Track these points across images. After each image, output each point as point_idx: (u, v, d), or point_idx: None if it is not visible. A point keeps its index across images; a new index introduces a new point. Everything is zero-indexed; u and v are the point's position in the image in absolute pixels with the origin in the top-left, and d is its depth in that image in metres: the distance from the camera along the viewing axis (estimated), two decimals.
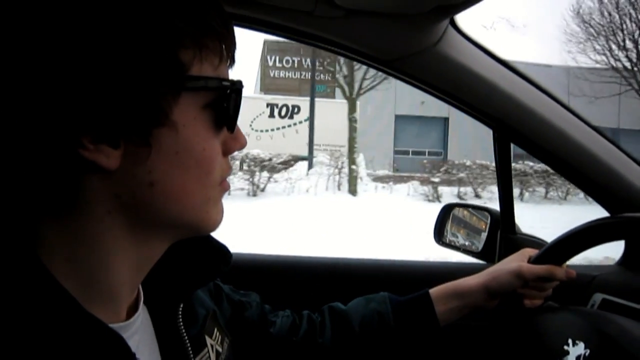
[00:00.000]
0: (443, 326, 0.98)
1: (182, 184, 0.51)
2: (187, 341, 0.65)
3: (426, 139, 27.01)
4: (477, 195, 14.71)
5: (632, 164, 1.20)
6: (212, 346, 0.70)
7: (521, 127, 1.19)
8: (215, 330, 0.73)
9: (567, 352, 0.80)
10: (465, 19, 1.04)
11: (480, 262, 1.44)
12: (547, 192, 15.20)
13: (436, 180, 14.38)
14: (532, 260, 0.98)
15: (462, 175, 15.06)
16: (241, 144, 0.59)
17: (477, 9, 0.97)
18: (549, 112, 1.17)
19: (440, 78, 1.12)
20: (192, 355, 0.65)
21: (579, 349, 0.79)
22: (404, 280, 1.36)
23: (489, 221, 1.44)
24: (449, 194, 14.35)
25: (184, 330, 0.66)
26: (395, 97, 25.73)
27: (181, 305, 0.66)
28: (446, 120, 26.81)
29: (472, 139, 24.86)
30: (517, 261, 1.00)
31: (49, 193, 0.47)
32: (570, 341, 0.80)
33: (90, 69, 0.43)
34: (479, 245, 1.45)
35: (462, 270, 1.38)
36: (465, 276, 1.03)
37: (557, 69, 23.90)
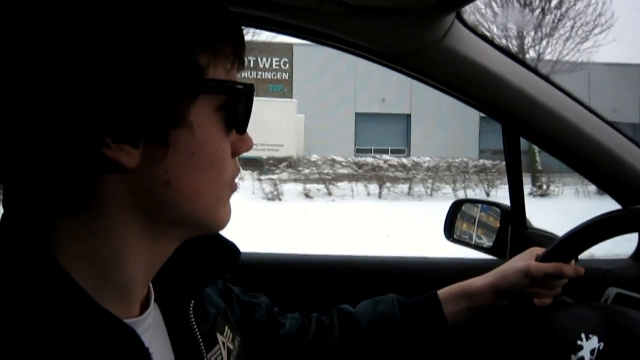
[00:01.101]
0: (452, 327, 0.98)
1: (196, 184, 0.53)
2: (200, 338, 0.66)
3: (389, 136, 26.88)
4: (329, 193, 14.42)
5: None
6: (223, 344, 0.71)
7: (531, 121, 1.18)
8: (227, 328, 0.74)
9: (581, 347, 0.79)
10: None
11: (492, 258, 1.43)
12: (410, 189, 15.04)
13: (274, 177, 14.08)
14: (541, 258, 0.97)
15: (307, 171, 14.80)
16: (248, 145, 0.60)
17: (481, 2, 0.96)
18: (559, 105, 1.16)
19: (448, 73, 1.11)
20: (204, 352, 0.66)
21: (593, 342, 0.78)
22: (414, 277, 1.35)
23: (499, 217, 1.43)
24: (294, 192, 14.09)
25: (196, 327, 0.66)
26: (355, 95, 25.78)
27: (192, 302, 0.67)
28: (409, 117, 26.74)
29: (434, 135, 24.79)
30: (525, 260, 0.99)
31: (67, 190, 0.48)
32: (583, 336, 0.79)
33: (115, 72, 0.45)
34: (490, 241, 1.44)
35: (473, 266, 1.37)
36: (476, 273, 1.02)
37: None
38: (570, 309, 0.91)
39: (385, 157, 15.92)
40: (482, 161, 15.50)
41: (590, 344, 0.78)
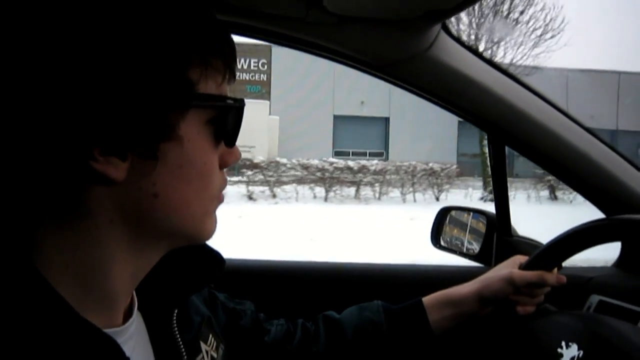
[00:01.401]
0: (437, 334, 0.99)
1: (183, 196, 0.53)
2: (182, 346, 0.66)
3: (367, 139, 26.87)
4: (273, 195, 14.37)
5: (627, 165, 1.20)
6: (207, 352, 0.71)
7: (515, 130, 1.19)
8: (210, 336, 0.74)
9: (561, 355, 0.80)
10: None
11: (477, 265, 1.44)
12: (357, 192, 14.93)
13: None
14: (524, 266, 0.98)
15: (249, 173, 14.52)
16: (236, 157, 0.61)
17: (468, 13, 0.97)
18: (543, 114, 1.17)
19: (433, 82, 1.13)
20: None
21: (573, 350, 0.79)
22: (401, 284, 1.36)
23: (485, 224, 1.44)
24: (236, 195, 13.93)
25: (178, 336, 0.66)
26: (333, 97, 25.78)
27: (176, 311, 0.67)
28: (387, 120, 26.78)
29: (413, 139, 24.90)
30: (508, 268, 1.00)
31: (54, 200, 0.48)
32: (563, 343, 0.81)
33: (106, 85, 0.45)
34: (476, 248, 1.46)
35: (459, 273, 1.38)
36: (462, 279, 1.03)
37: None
38: (552, 317, 0.93)
39: (332, 159, 15.66)
40: (430, 164, 15.31)
41: (570, 352, 0.79)
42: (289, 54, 23.42)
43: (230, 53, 0.56)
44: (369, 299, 1.24)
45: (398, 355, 0.98)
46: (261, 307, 0.98)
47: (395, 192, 14.88)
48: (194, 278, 0.68)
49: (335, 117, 26.32)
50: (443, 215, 1.58)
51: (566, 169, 1.21)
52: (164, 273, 0.63)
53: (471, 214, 1.53)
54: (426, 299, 1.02)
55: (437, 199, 14.91)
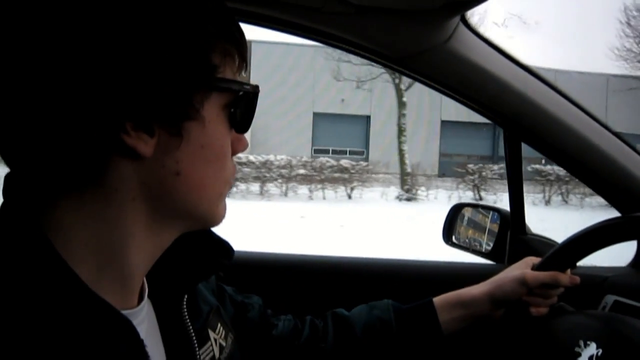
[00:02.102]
0: (447, 335, 0.98)
1: (203, 176, 0.56)
2: (193, 333, 0.67)
3: (347, 137, 26.54)
4: None
5: None
6: (215, 340, 0.72)
7: (533, 127, 1.18)
8: (219, 325, 0.75)
9: (579, 354, 0.78)
10: (476, 16, 1.03)
11: (490, 262, 1.42)
12: (261, 189, 14.42)
13: None
14: (539, 265, 0.97)
15: None
16: (244, 145, 0.63)
17: (488, 5, 0.96)
18: (561, 111, 1.16)
19: (451, 76, 1.11)
20: (197, 347, 0.67)
21: (591, 349, 0.78)
22: (412, 280, 1.35)
23: (498, 221, 1.43)
24: None
25: (189, 322, 0.67)
26: (313, 94, 25.60)
27: (185, 297, 0.68)
28: (368, 118, 26.56)
29: (394, 138, 24.96)
30: (521, 269, 0.99)
31: (80, 172, 0.50)
32: (581, 342, 0.79)
33: (141, 64, 0.48)
34: (489, 245, 1.44)
35: (471, 271, 1.37)
36: (474, 277, 1.02)
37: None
38: (568, 316, 0.91)
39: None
40: (342, 161, 14.92)
41: (589, 351, 0.78)
42: (269, 50, 23.47)
43: (244, 44, 0.59)
44: (380, 294, 1.23)
45: (407, 355, 0.97)
46: (271, 301, 0.98)
47: (304, 189, 14.59)
48: (203, 265, 0.69)
49: (315, 115, 26.14)
50: (455, 212, 1.56)
51: (583, 166, 1.20)
52: (173, 260, 0.63)
53: (484, 211, 1.52)
54: (437, 299, 1.01)
55: (350, 196, 14.48)
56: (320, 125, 26.17)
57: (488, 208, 1.53)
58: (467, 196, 14.59)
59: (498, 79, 1.10)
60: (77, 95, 0.46)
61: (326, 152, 24.62)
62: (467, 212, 1.55)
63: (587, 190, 14.28)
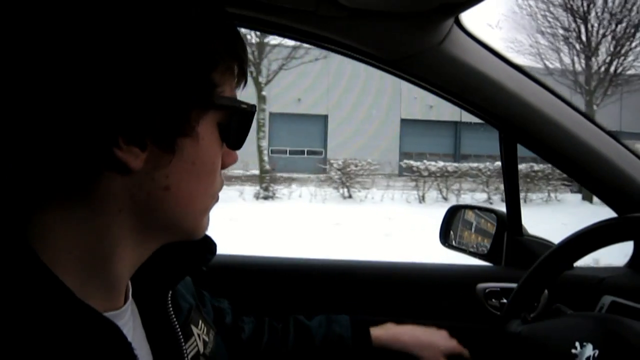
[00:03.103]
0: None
1: (191, 191, 0.55)
2: (178, 328, 0.68)
3: (305, 137, 26.33)
4: None
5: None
6: (199, 335, 0.73)
7: (528, 128, 1.18)
8: (200, 321, 0.76)
9: (576, 355, 0.78)
10: (470, 18, 1.03)
11: (487, 264, 1.42)
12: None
13: None
14: (537, 265, 0.96)
15: None
16: (234, 159, 0.63)
17: (481, 7, 0.96)
18: (556, 112, 1.16)
19: (445, 78, 1.11)
20: (182, 341, 0.67)
21: (588, 350, 0.77)
22: (408, 283, 1.35)
23: (495, 223, 1.43)
24: None
25: (174, 318, 0.68)
26: (269, 94, 25.66)
27: (170, 293, 0.68)
28: (325, 118, 26.46)
29: (353, 137, 24.69)
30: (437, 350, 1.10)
31: (66, 185, 0.49)
32: (577, 344, 0.79)
33: (140, 80, 0.47)
34: (485, 247, 1.44)
35: (468, 272, 1.37)
36: (471, 278, 1.02)
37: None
38: (565, 318, 0.91)
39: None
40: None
41: (585, 352, 0.78)
42: None
43: (245, 59, 0.59)
44: (374, 296, 1.24)
45: None
46: (255, 306, 1.01)
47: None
48: (187, 261, 0.69)
49: (272, 115, 25.72)
50: (452, 214, 1.56)
51: (579, 167, 1.20)
52: (157, 257, 0.63)
53: (481, 212, 1.52)
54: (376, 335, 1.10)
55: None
56: (277, 125, 25.92)
57: (484, 209, 1.53)
58: (334, 197, 14.27)
59: (493, 80, 1.10)
60: (71, 108, 0.46)
61: (283, 152, 24.79)
62: (464, 214, 1.55)
63: (466, 185, 14.40)
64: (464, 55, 1.06)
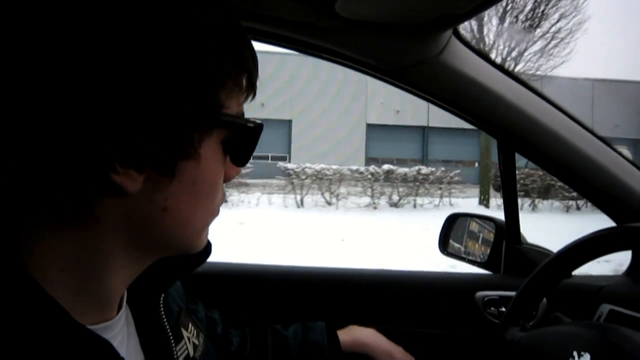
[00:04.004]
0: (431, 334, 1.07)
1: (191, 211, 0.53)
2: (169, 330, 0.67)
3: (269, 142, 26.26)
4: None
5: (638, 173, 1.19)
6: (188, 339, 0.73)
7: (526, 137, 1.19)
8: (190, 324, 0.76)
9: None
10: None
11: (485, 272, 1.43)
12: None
13: None
14: (535, 274, 0.97)
15: None
16: (237, 172, 0.61)
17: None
18: (554, 121, 1.17)
19: (444, 88, 1.12)
20: (173, 345, 0.67)
21: (585, 359, 0.78)
22: (407, 291, 1.35)
23: (494, 231, 1.43)
24: None
25: (166, 321, 0.67)
26: None
27: (162, 296, 0.68)
28: (289, 122, 26.54)
29: (317, 142, 24.81)
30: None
31: (60, 205, 0.47)
32: (575, 353, 0.79)
33: (140, 103, 0.45)
34: (484, 255, 1.44)
35: (466, 280, 1.37)
36: (469, 287, 1.02)
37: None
38: (562, 326, 0.91)
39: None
40: None
41: None
42: None
43: (255, 71, 0.56)
44: (370, 305, 1.24)
45: None
46: (237, 312, 1.04)
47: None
48: (181, 263, 0.66)
49: None
50: (451, 222, 1.57)
51: (577, 176, 1.20)
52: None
53: (480, 220, 1.52)
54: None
55: None
56: None
57: (483, 218, 1.53)
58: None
59: (491, 90, 1.11)
60: (64, 130, 0.43)
61: None
62: (463, 222, 1.56)
63: (356, 189, 13.92)
64: (462, 65, 1.07)
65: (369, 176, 13.96)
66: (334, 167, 14.12)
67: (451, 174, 14.69)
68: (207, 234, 0.60)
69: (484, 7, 0.89)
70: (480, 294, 1.27)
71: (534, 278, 0.97)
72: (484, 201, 14.82)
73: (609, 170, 1.17)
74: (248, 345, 1.01)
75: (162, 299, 0.68)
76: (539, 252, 1.35)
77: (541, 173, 14.49)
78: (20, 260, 0.46)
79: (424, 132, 27.21)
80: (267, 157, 24.79)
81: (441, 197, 14.49)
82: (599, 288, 1.24)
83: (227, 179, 0.59)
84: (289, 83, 25.15)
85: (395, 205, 14.03)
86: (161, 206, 0.50)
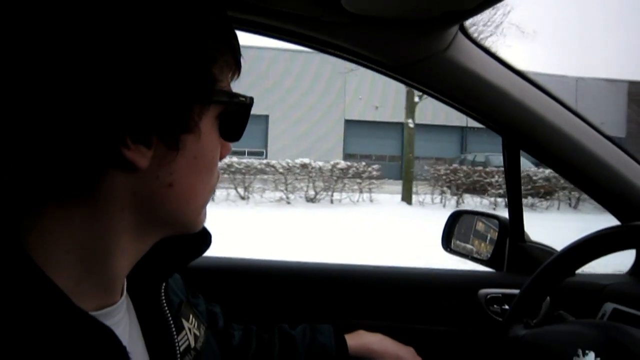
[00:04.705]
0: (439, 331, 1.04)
1: (193, 186, 0.56)
2: (170, 319, 0.68)
3: (245, 137, 25.67)
4: None
5: None
6: (189, 329, 0.74)
7: (531, 135, 1.18)
8: (191, 316, 0.77)
9: None
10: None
11: (489, 269, 1.42)
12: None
13: None
14: (539, 272, 0.97)
15: None
16: (228, 150, 0.64)
17: (486, 15, 0.96)
18: (560, 119, 1.16)
19: (450, 84, 1.11)
20: (175, 334, 0.68)
21: (590, 358, 0.78)
22: (409, 287, 1.35)
23: (497, 229, 1.43)
24: None
25: (167, 310, 0.68)
26: None
27: (163, 285, 0.69)
28: (266, 117, 26.31)
29: (295, 138, 24.63)
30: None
31: (68, 184, 0.48)
32: (580, 351, 0.79)
33: (146, 80, 0.48)
34: (487, 252, 1.44)
35: (470, 278, 1.37)
36: (472, 284, 1.02)
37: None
38: (567, 325, 0.91)
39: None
40: None
41: (587, 359, 0.78)
42: None
43: (239, 49, 0.59)
44: (374, 302, 1.24)
45: None
46: (239, 307, 1.03)
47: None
48: (182, 253, 0.68)
49: None
50: (454, 219, 1.56)
51: (582, 174, 1.20)
52: (152, 249, 0.62)
53: (483, 218, 1.52)
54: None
55: None
56: None
57: (487, 215, 1.53)
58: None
59: (496, 87, 1.10)
60: (77, 108, 0.45)
61: None
62: (466, 219, 1.55)
63: (269, 185, 13.49)
64: (468, 61, 1.07)
65: (281, 170, 13.63)
66: (245, 160, 14.02)
67: (369, 169, 14.16)
68: (205, 213, 0.62)
69: (490, 3, 0.88)
70: (483, 291, 1.27)
71: (538, 276, 0.96)
72: (408, 197, 14.09)
73: (614, 168, 1.17)
74: (253, 343, 1.01)
75: (163, 288, 0.68)
76: (543, 250, 1.34)
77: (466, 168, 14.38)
78: (22, 245, 0.47)
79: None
80: (243, 153, 24.54)
81: (360, 191, 14.12)
82: (603, 287, 1.24)
83: (221, 157, 0.61)
84: (266, 77, 24.97)
85: (312, 200, 13.77)
86: (167, 182, 0.53)
